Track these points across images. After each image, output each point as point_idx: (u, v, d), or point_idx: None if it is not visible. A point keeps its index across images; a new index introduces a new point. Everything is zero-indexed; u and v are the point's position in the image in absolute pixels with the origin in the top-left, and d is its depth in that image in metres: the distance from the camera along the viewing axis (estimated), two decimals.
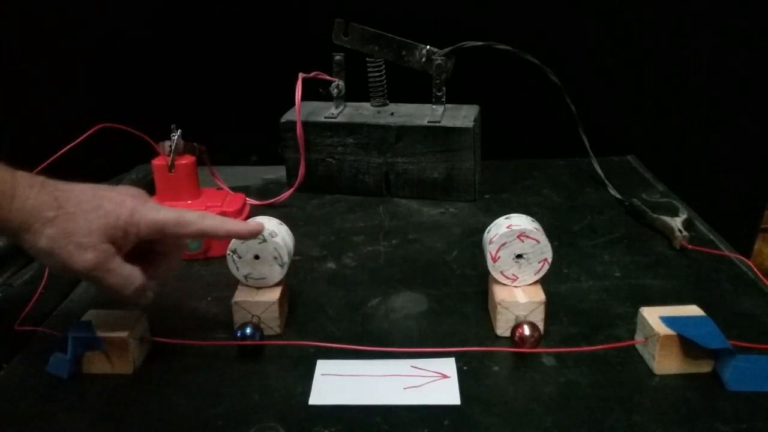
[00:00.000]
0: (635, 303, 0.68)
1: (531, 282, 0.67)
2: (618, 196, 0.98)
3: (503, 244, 0.65)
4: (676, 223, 0.84)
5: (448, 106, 1.00)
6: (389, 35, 0.97)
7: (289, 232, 0.71)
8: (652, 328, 0.60)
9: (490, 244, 0.66)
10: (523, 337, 0.62)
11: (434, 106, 0.99)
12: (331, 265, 0.82)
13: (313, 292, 0.76)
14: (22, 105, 1.02)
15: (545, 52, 0.96)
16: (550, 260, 0.66)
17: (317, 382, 0.61)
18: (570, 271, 0.79)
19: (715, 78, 1.11)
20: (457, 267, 0.81)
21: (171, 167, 0.83)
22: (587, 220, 0.92)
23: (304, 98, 0.95)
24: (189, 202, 0.84)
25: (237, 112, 1.16)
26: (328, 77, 1.00)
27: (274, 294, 0.67)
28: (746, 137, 1.14)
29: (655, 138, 1.15)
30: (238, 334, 0.64)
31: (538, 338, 0.62)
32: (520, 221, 0.67)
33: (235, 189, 0.93)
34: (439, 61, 0.96)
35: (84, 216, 0.56)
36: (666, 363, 0.60)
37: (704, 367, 0.60)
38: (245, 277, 0.67)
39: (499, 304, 0.65)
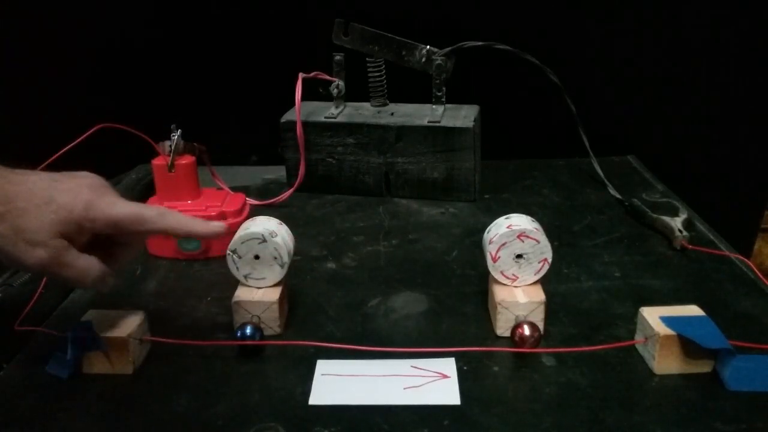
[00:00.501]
0: (635, 303, 0.69)
1: (531, 282, 0.67)
2: (618, 196, 0.97)
3: (503, 244, 0.65)
4: (676, 223, 0.84)
5: (448, 106, 1.00)
6: (389, 35, 0.97)
7: (289, 232, 0.71)
8: (652, 328, 0.60)
9: (490, 244, 0.66)
10: (523, 337, 0.62)
11: (434, 106, 0.99)
12: (331, 265, 0.82)
13: (313, 292, 0.76)
14: (22, 105, 1.03)
15: (545, 52, 0.96)
16: (550, 260, 0.66)
17: (317, 382, 0.61)
18: (570, 271, 0.79)
19: (715, 78, 1.11)
20: (457, 267, 0.81)
21: (171, 167, 0.83)
22: (587, 220, 0.92)
23: (304, 98, 0.95)
24: (189, 202, 0.84)
25: (237, 112, 1.16)
26: (328, 77, 1.00)
27: (274, 294, 0.67)
28: (746, 137, 1.14)
29: (655, 138, 1.15)
30: (238, 334, 0.63)
31: (538, 338, 0.62)
32: (520, 221, 0.67)
33: (235, 189, 0.93)
34: (439, 61, 0.95)
35: (35, 211, 0.54)
36: (666, 363, 0.60)
37: (704, 367, 0.60)
38: (245, 277, 0.67)
39: (499, 304, 0.65)
